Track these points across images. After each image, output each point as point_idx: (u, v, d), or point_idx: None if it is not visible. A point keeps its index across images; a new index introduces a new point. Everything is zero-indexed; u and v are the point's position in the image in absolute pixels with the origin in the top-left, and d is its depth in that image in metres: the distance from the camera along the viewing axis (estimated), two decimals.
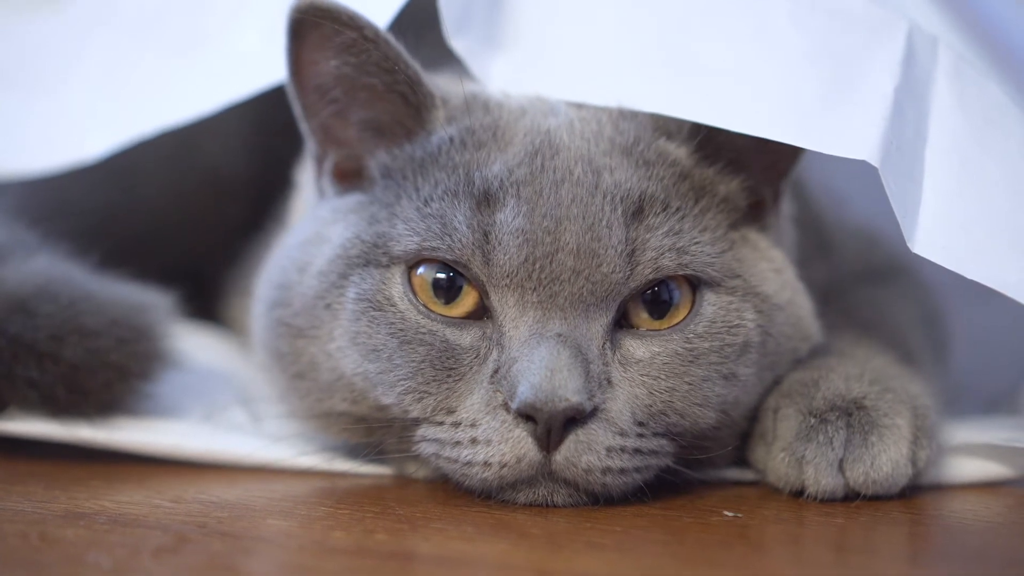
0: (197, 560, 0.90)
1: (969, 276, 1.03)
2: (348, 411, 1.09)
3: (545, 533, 0.97)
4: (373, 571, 0.89)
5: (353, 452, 1.12)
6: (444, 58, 1.18)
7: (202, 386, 1.28)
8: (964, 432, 1.15)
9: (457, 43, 1.16)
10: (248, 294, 1.24)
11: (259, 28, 1.25)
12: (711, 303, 1.06)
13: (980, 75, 1.12)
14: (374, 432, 1.09)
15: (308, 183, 1.22)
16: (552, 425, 0.99)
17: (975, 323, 1.45)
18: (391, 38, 1.08)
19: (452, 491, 1.07)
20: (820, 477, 1.05)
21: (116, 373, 1.15)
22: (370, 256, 1.08)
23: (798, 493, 1.07)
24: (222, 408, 1.25)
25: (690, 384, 1.04)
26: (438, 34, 1.15)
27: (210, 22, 1.31)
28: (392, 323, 1.05)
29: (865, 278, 1.39)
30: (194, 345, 1.29)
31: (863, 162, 1.03)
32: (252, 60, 1.24)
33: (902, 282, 1.41)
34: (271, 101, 1.23)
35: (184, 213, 1.59)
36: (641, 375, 1.03)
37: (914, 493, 1.08)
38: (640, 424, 1.02)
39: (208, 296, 1.62)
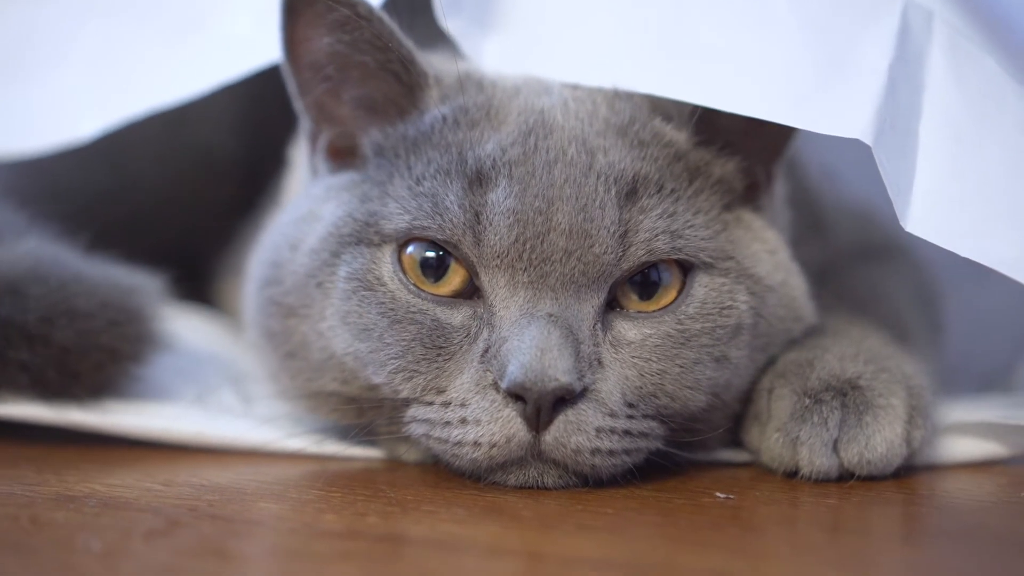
0: (188, 543, 0.90)
1: (964, 254, 1.02)
2: (339, 391, 1.08)
3: (536, 515, 0.97)
4: (364, 554, 0.88)
5: (343, 434, 1.12)
6: (437, 39, 1.17)
7: (193, 368, 1.28)
8: (959, 411, 1.15)
9: (450, 24, 1.15)
10: (241, 274, 1.24)
11: (252, 10, 1.25)
12: (703, 284, 1.05)
13: (977, 49, 1.11)
14: (364, 413, 1.09)
15: (302, 161, 1.21)
16: (542, 405, 0.98)
17: (970, 302, 1.45)
18: (385, 16, 1.07)
19: (443, 474, 1.06)
20: (815, 458, 1.04)
21: (107, 355, 1.15)
22: (361, 235, 1.07)
23: (792, 474, 1.07)
24: (213, 390, 1.25)
25: (681, 366, 1.03)
26: (431, 15, 1.15)
27: (203, 5, 1.30)
28: (382, 302, 1.05)
29: (860, 257, 1.38)
30: (185, 327, 1.29)
31: (856, 140, 1.02)
32: (244, 42, 1.24)
33: (897, 261, 1.41)
34: (263, 81, 1.23)
35: (175, 193, 1.59)
36: (632, 356, 1.03)
37: (908, 473, 1.07)
38: (630, 406, 1.02)
39: (201, 277, 1.61)
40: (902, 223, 1.03)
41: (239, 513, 0.97)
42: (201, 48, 1.27)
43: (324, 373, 1.08)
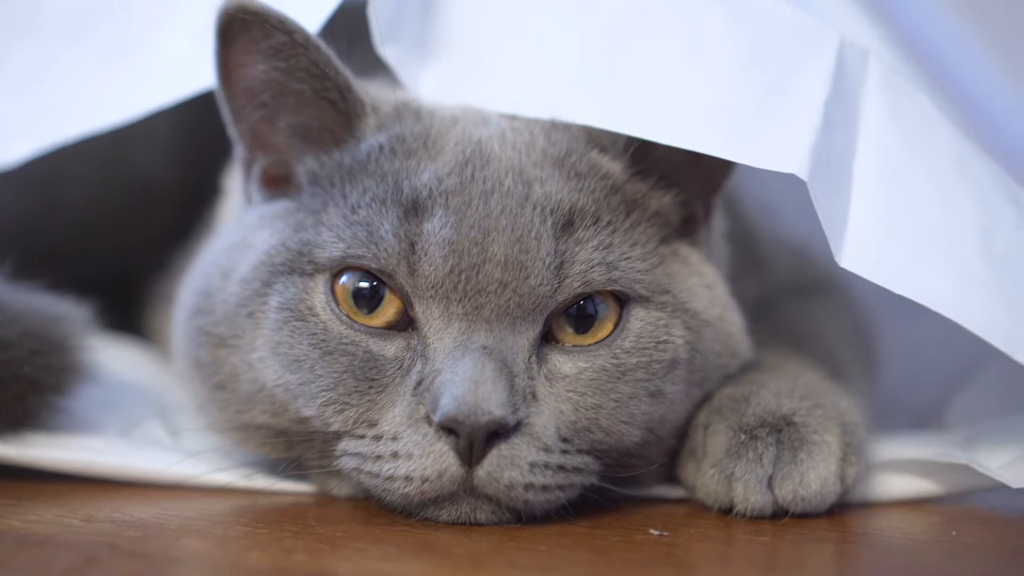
0: None
1: (897, 291, 1.03)
2: (269, 423, 1.06)
3: (468, 553, 0.95)
4: None
5: (273, 468, 1.10)
6: (375, 66, 1.16)
7: (119, 400, 1.25)
8: (892, 448, 1.15)
9: (388, 52, 1.14)
10: (170, 303, 1.21)
11: (186, 33, 1.23)
12: (639, 318, 1.05)
13: (912, 88, 1.12)
14: (295, 446, 1.06)
15: (236, 189, 1.20)
16: (474, 439, 0.97)
17: (904, 338, 1.45)
18: (322, 44, 1.06)
19: (374, 510, 1.04)
20: (749, 494, 1.04)
21: (28, 386, 1.11)
22: (294, 264, 1.05)
23: (727, 510, 1.06)
24: (139, 422, 1.22)
25: (616, 401, 1.03)
26: (370, 42, 1.14)
27: (136, 27, 1.28)
28: (314, 333, 1.03)
29: (796, 293, 1.39)
30: (112, 357, 1.25)
31: (793, 176, 1.02)
32: (179, 65, 1.22)
33: (832, 297, 1.41)
34: (200, 107, 1.21)
35: (110, 221, 1.56)
36: (567, 390, 1.02)
37: (841, 510, 1.07)
38: (565, 440, 1.01)
39: (133, 306, 1.58)
40: (836, 259, 1.03)
41: (160, 550, 0.94)
42: (136, 71, 1.25)
43: (254, 405, 1.06)
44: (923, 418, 1.35)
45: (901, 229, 1.05)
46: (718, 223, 1.19)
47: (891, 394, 1.39)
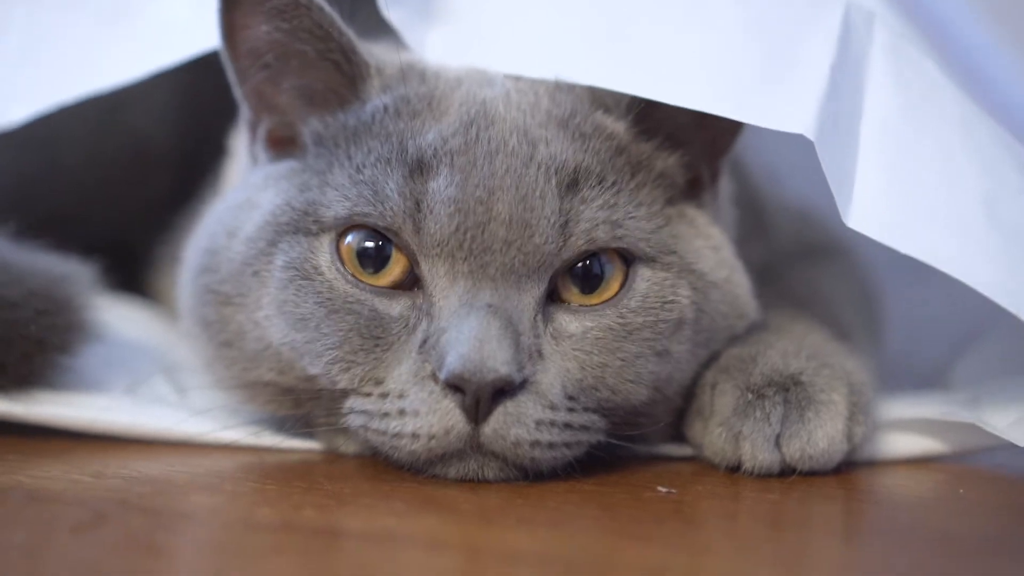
0: (116, 537, 0.87)
1: (903, 251, 1.03)
2: (275, 381, 1.06)
3: (476, 509, 0.95)
4: (299, 548, 0.86)
5: (280, 425, 1.10)
6: (380, 28, 1.15)
7: (125, 358, 1.24)
8: (898, 408, 1.15)
9: (393, 14, 1.14)
10: (176, 263, 1.21)
11: None
12: (645, 278, 1.05)
13: (918, 52, 1.11)
14: (302, 404, 1.06)
15: (242, 150, 1.19)
16: (480, 396, 0.97)
17: (909, 300, 1.46)
18: (325, 5, 1.06)
19: (382, 467, 1.04)
20: (757, 452, 1.04)
21: (34, 346, 1.11)
22: (300, 223, 1.05)
23: (734, 468, 1.06)
24: (145, 380, 1.22)
25: (623, 360, 1.03)
26: (375, 4, 1.13)
27: None
28: (319, 292, 1.03)
29: (801, 256, 1.39)
30: (117, 317, 1.25)
31: (799, 140, 1.02)
32: (179, 28, 1.21)
33: (838, 260, 1.41)
34: (202, 68, 1.20)
35: (109, 182, 1.55)
36: (573, 349, 1.02)
37: (848, 468, 1.07)
38: (571, 398, 1.01)
39: (136, 267, 1.58)
40: (844, 219, 1.03)
41: (169, 506, 0.95)
42: (135, 33, 1.24)
43: (260, 363, 1.06)
44: (928, 380, 1.35)
45: (907, 191, 1.05)
46: (725, 186, 1.19)
47: (896, 356, 1.39)
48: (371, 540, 0.89)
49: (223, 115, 1.29)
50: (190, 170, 1.50)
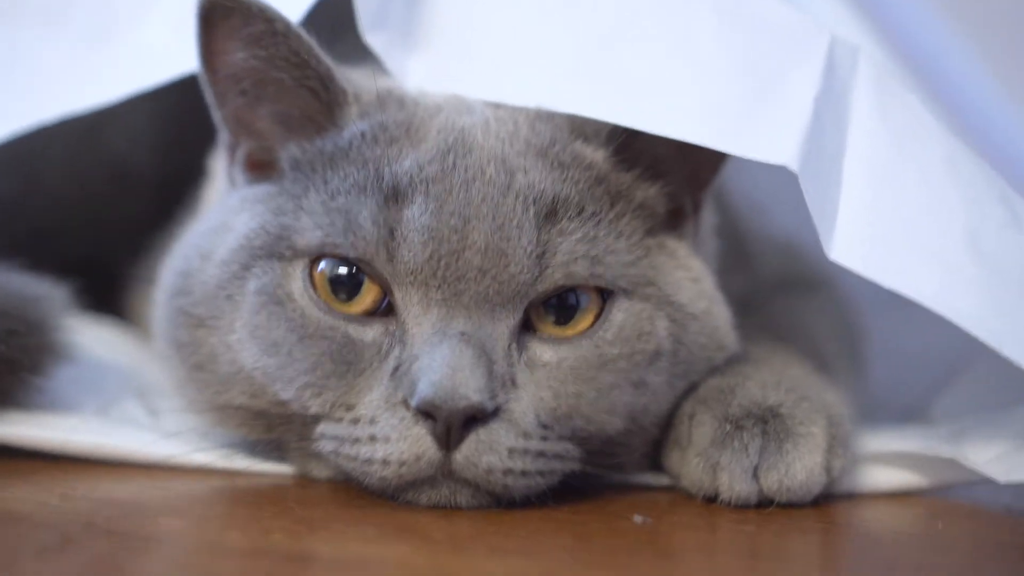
0: (81, 561, 0.85)
1: (886, 285, 1.02)
2: (247, 405, 1.05)
3: (448, 536, 0.94)
4: (268, 573, 0.85)
5: (252, 449, 1.08)
6: (361, 53, 1.15)
7: (96, 380, 1.23)
8: (878, 441, 1.15)
9: (373, 39, 1.13)
10: (152, 285, 1.20)
11: (167, 19, 1.22)
12: (622, 309, 1.04)
13: (901, 86, 1.11)
14: (274, 428, 1.05)
15: (221, 171, 1.19)
16: (452, 423, 0.96)
17: (891, 335, 1.45)
18: (303, 32, 1.05)
19: (354, 492, 1.03)
20: (734, 483, 1.03)
21: (5, 366, 1.09)
22: (273, 248, 1.05)
23: (711, 499, 1.05)
24: (116, 402, 1.20)
25: (598, 390, 1.02)
26: (356, 29, 1.13)
27: (117, 12, 1.27)
28: (292, 319, 1.02)
29: (783, 288, 1.38)
30: (90, 338, 1.24)
31: (782, 173, 1.02)
32: (159, 51, 1.21)
33: (820, 294, 1.41)
34: (179, 92, 1.19)
35: (86, 201, 1.55)
36: (548, 378, 1.01)
37: (826, 501, 1.06)
38: (545, 427, 1.00)
39: (113, 288, 1.57)
40: (827, 252, 1.02)
41: (138, 529, 0.93)
42: (116, 56, 1.24)
43: (232, 386, 1.05)
44: (909, 414, 1.34)
45: (890, 225, 1.05)
46: (708, 218, 1.18)
47: (877, 390, 1.38)
48: (341, 566, 0.87)
49: (202, 136, 1.28)
50: (168, 191, 1.50)
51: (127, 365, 1.32)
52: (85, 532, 0.91)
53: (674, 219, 1.13)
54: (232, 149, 1.14)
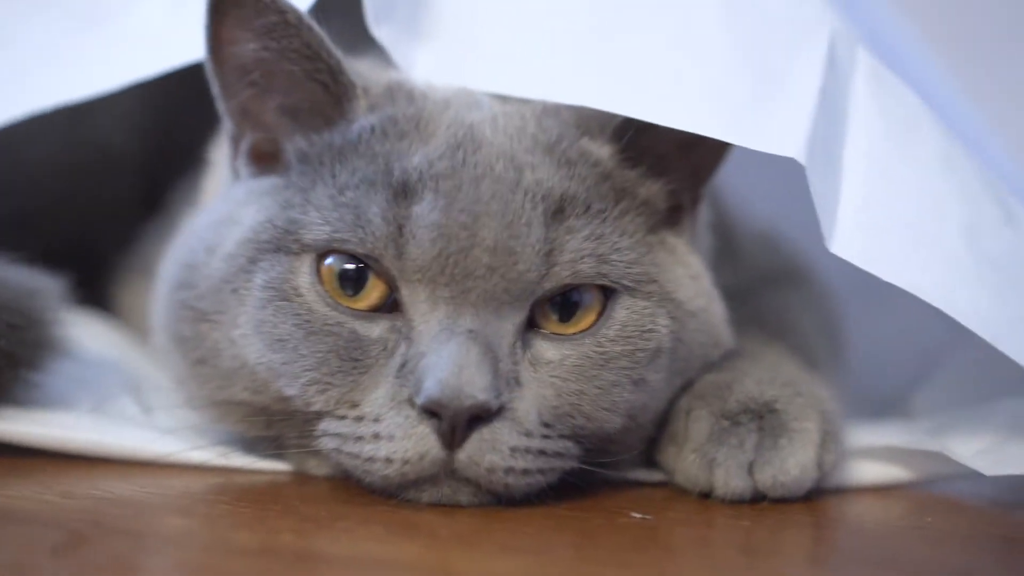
0: (99, 559, 0.85)
1: (884, 278, 1.03)
2: (249, 400, 1.05)
3: (455, 534, 0.95)
4: (282, 573, 0.85)
5: (250, 446, 1.09)
6: (368, 44, 1.15)
7: (92, 376, 1.22)
8: (863, 435, 1.17)
9: (381, 31, 1.13)
10: (145, 276, 1.19)
11: (164, 8, 1.20)
12: (624, 307, 1.05)
13: (898, 81, 1.13)
14: (274, 425, 1.05)
15: (223, 162, 1.18)
16: (457, 422, 0.97)
17: (870, 327, 1.47)
18: (314, 24, 1.05)
19: (354, 489, 1.03)
20: (730, 479, 1.05)
21: (3, 360, 1.09)
22: (280, 242, 1.04)
23: (706, 494, 1.07)
24: (112, 398, 1.19)
25: (599, 388, 1.03)
26: (362, 20, 1.12)
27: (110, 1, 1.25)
28: (299, 314, 1.02)
29: (767, 282, 1.39)
30: (85, 333, 1.23)
31: (765, 163, 1.02)
32: (154, 39, 1.19)
33: (803, 287, 1.42)
34: (173, 80, 1.18)
35: (73, 190, 1.53)
36: (550, 376, 1.02)
37: (817, 496, 1.08)
38: (546, 425, 1.01)
39: (99, 278, 1.55)
40: (827, 245, 1.03)
41: (148, 528, 0.93)
42: (109, 43, 1.22)
43: (235, 382, 1.05)
44: (889, 406, 1.37)
45: (888, 219, 1.06)
46: (704, 214, 1.19)
47: (857, 383, 1.41)
48: (355, 566, 0.88)
49: (193, 124, 1.27)
50: (157, 178, 1.48)
51: (121, 361, 1.31)
52: (96, 531, 0.91)
53: (673, 215, 1.13)
54: (236, 140, 1.13)
